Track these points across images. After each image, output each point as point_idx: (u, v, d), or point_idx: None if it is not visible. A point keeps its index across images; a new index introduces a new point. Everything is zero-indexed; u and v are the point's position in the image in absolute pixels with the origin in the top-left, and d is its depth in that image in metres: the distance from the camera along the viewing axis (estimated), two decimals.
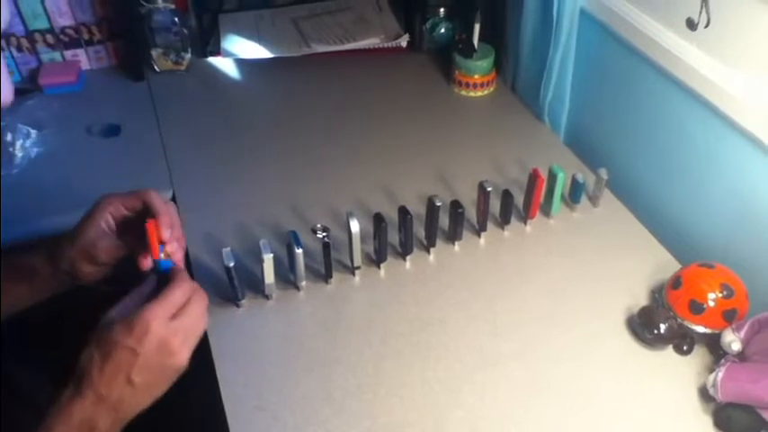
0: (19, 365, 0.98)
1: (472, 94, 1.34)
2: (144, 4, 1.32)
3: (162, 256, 0.77)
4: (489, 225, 1.01)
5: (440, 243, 0.99)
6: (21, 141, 1.14)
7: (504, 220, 1.02)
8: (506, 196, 0.98)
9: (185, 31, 1.36)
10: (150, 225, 0.78)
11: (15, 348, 0.84)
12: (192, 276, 0.86)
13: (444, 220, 0.98)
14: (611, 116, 1.15)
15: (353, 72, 1.41)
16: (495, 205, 1.00)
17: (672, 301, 0.86)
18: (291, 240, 0.87)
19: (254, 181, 1.12)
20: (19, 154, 1.13)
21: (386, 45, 1.43)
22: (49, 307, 1.13)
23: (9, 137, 1.14)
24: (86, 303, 1.14)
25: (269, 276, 0.88)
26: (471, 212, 1.01)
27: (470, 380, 0.83)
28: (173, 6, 1.34)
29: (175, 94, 1.34)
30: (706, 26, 0.89)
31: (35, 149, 1.16)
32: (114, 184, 1.09)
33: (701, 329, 0.84)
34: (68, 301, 1.13)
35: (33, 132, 1.17)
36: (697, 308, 0.84)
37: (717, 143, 0.93)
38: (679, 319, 0.85)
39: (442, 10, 1.42)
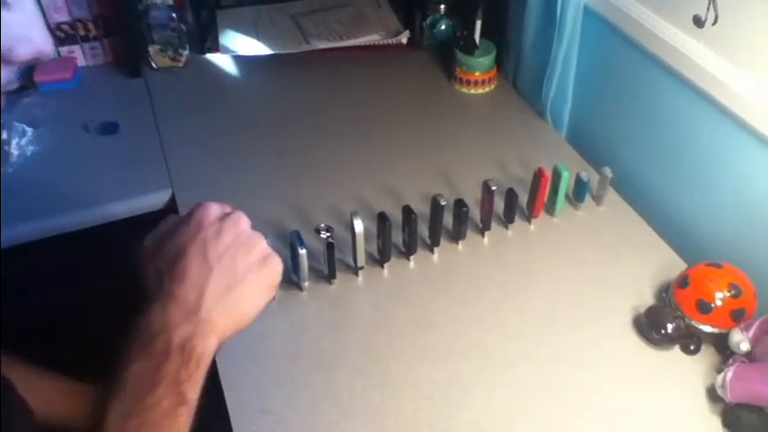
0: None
1: (473, 91, 1.32)
2: None
3: None
4: (493, 224, 1.00)
5: (444, 242, 0.98)
6: (17, 140, 1.12)
7: (507, 220, 1.01)
8: (510, 195, 0.97)
9: (183, 27, 1.35)
10: None
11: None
12: None
13: (447, 219, 0.97)
14: (614, 114, 1.15)
15: (353, 69, 1.40)
16: (498, 204, 0.99)
17: (679, 300, 0.85)
18: (294, 240, 0.86)
19: (254, 179, 1.11)
20: (15, 152, 1.12)
21: (386, 42, 1.42)
22: (44, 307, 1.12)
23: (5, 135, 1.12)
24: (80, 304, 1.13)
25: None
26: (474, 211, 1.00)
27: (477, 380, 0.82)
28: (170, 2, 1.33)
29: (173, 92, 1.32)
30: (714, 23, 0.88)
31: (31, 148, 1.14)
32: (112, 182, 1.09)
33: (708, 329, 0.84)
34: (62, 302, 1.12)
35: (29, 130, 1.15)
36: (705, 307, 0.83)
37: (723, 141, 0.92)
38: (686, 319, 0.84)
39: (442, 6, 1.41)
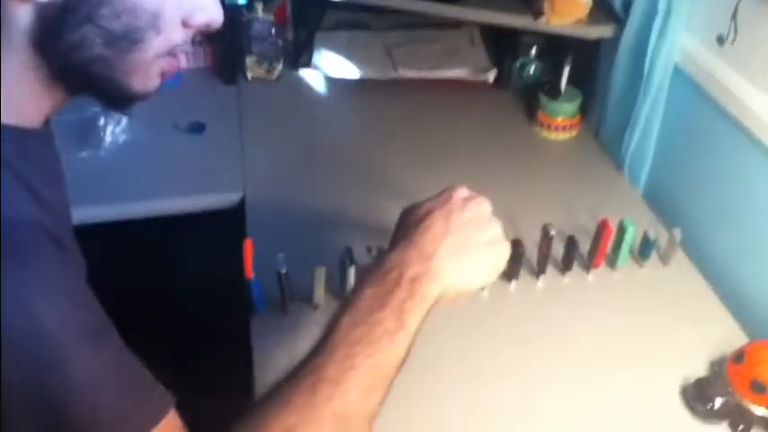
0: None
1: (554, 136, 1.31)
2: (245, 12, 1.38)
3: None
4: (549, 269, 0.99)
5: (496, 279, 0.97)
6: (111, 127, 1.20)
7: (565, 266, 0.99)
8: (570, 242, 0.96)
9: (280, 42, 1.41)
10: (248, 244, 0.82)
11: None
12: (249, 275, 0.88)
13: None
14: (694, 177, 1.11)
15: (438, 101, 1.41)
16: (559, 250, 0.98)
17: (731, 376, 0.81)
18: (345, 256, 0.88)
19: (321, 194, 1.14)
20: (108, 138, 1.20)
21: (472, 78, 1.43)
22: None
23: (102, 121, 1.20)
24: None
25: (319, 287, 0.88)
26: (533, 254, 0.99)
27: None
28: (271, 18, 1.39)
29: (262, 102, 1.38)
30: None
31: (123, 136, 1.22)
32: (191, 178, 1.15)
33: (761, 412, 0.79)
34: None
35: (124, 120, 1.23)
36: (759, 387, 0.78)
37: None
38: (737, 397, 0.79)
39: (533, 50, 1.41)
